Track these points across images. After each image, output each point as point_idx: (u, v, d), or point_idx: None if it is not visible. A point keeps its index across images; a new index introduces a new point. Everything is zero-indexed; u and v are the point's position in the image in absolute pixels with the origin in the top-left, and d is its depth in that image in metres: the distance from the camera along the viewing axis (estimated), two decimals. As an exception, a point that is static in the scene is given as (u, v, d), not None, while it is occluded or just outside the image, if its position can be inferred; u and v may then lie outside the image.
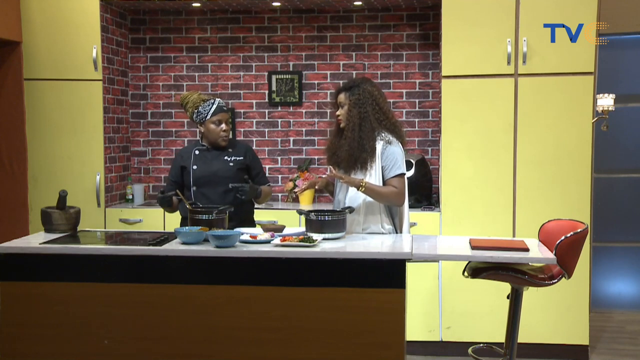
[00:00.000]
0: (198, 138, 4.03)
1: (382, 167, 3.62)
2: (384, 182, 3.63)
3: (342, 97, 3.72)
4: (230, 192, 3.80)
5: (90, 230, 3.92)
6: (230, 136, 3.99)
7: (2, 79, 4.94)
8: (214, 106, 3.87)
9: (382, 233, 3.66)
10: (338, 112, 3.73)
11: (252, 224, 3.95)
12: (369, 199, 3.62)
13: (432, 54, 5.22)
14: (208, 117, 3.86)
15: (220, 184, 3.84)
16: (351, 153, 3.60)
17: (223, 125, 3.87)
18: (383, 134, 3.65)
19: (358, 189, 3.56)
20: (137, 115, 5.50)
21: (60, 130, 4.94)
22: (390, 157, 3.62)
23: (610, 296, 5.84)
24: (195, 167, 3.88)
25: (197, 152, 3.94)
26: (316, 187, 3.80)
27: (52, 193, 4.23)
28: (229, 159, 3.90)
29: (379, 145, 3.62)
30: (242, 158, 3.93)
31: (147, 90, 5.49)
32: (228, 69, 5.41)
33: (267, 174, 4.96)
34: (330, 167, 3.66)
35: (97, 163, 4.95)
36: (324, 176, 3.94)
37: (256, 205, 4.04)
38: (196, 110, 3.88)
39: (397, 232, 3.72)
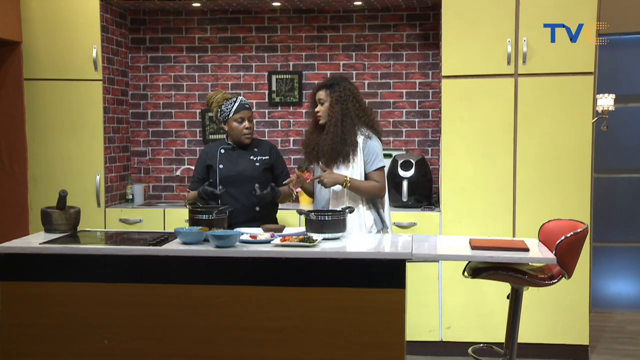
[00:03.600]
0: (224, 137, 4.07)
1: (363, 161, 3.77)
2: (366, 176, 3.80)
3: (322, 94, 3.87)
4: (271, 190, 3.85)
5: (90, 230, 3.92)
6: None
7: (2, 79, 4.94)
8: (236, 104, 3.92)
9: (365, 225, 3.76)
10: (317, 109, 3.88)
11: (275, 223, 4.01)
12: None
13: (432, 54, 5.22)
14: (231, 114, 3.91)
15: (247, 184, 3.88)
16: (334, 147, 3.76)
17: (245, 123, 3.92)
18: (362, 129, 3.83)
19: (343, 186, 3.72)
20: (137, 115, 5.50)
21: (60, 130, 4.94)
22: (371, 152, 3.79)
23: (610, 296, 5.84)
24: (221, 166, 3.92)
25: (222, 150, 3.97)
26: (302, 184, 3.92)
27: (52, 193, 4.23)
28: (254, 159, 3.95)
29: (360, 140, 3.79)
30: (267, 157, 3.99)
31: (147, 90, 5.49)
32: (228, 69, 5.41)
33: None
34: (321, 164, 3.78)
35: (97, 163, 4.95)
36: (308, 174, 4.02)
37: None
38: (219, 109, 3.93)
39: (382, 223, 3.82)
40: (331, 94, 3.82)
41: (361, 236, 3.68)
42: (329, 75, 5.32)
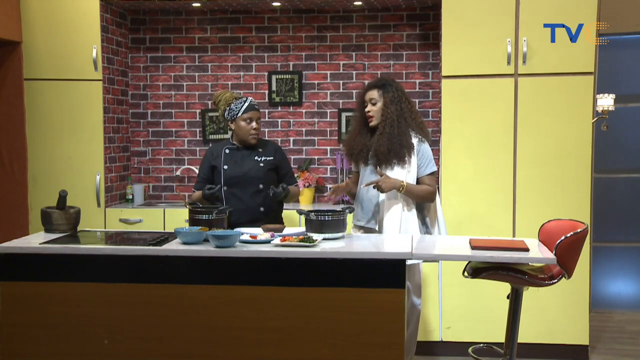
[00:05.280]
0: (229, 136, 4.09)
1: (417, 164, 3.76)
2: (418, 180, 3.79)
3: (374, 94, 3.82)
4: (261, 192, 3.90)
5: (90, 230, 3.92)
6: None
7: (2, 79, 4.95)
8: (246, 104, 3.94)
9: (419, 227, 3.81)
10: (369, 109, 3.82)
11: (281, 223, 4.03)
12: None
13: (432, 54, 5.22)
14: (239, 114, 3.93)
15: (251, 184, 3.92)
16: (391, 148, 3.73)
17: (253, 124, 3.95)
18: (415, 131, 3.82)
19: (399, 190, 3.69)
20: (137, 115, 5.50)
21: (60, 130, 4.94)
22: (425, 156, 3.80)
23: (610, 296, 5.84)
24: (226, 167, 3.93)
25: (227, 150, 3.99)
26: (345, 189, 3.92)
27: (52, 193, 4.23)
28: (259, 159, 3.97)
29: (415, 142, 3.79)
30: (271, 158, 4.00)
31: (147, 90, 5.49)
32: (228, 69, 5.41)
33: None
34: (379, 169, 3.73)
35: (97, 163, 4.95)
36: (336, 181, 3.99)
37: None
38: (228, 107, 3.96)
39: (428, 227, 3.84)
40: (384, 94, 3.79)
41: (361, 236, 3.68)
42: (329, 75, 5.32)
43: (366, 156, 3.83)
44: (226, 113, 3.97)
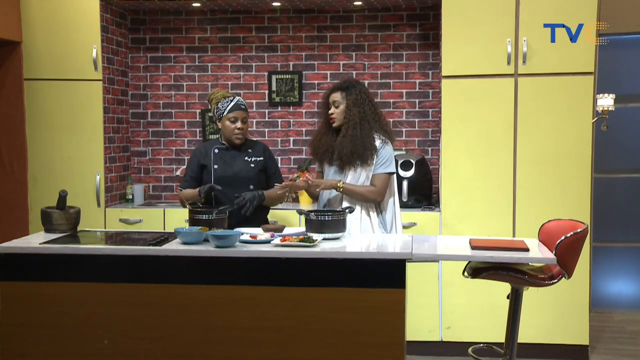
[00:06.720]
0: (218, 136, 4.07)
1: (374, 163, 3.76)
2: (372, 177, 3.79)
3: (337, 96, 3.83)
4: (250, 193, 3.84)
5: (90, 230, 3.91)
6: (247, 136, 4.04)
7: (2, 79, 4.95)
8: (232, 103, 3.91)
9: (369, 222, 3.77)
10: (332, 111, 3.84)
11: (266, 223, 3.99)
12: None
13: (432, 54, 5.22)
14: (224, 113, 3.91)
15: (241, 185, 3.89)
16: (354, 150, 3.73)
17: (238, 123, 3.90)
18: (379, 133, 3.81)
19: (336, 190, 3.73)
20: (137, 115, 5.50)
21: (60, 130, 4.94)
22: (383, 155, 3.78)
23: (610, 296, 5.84)
24: (216, 166, 3.90)
25: (216, 150, 3.96)
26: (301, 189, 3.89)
27: (52, 193, 4.23)
28: (249, 160, 3.94)
29: (377, 143, 3.78)
30: (261, 158, 3.99)
31: (147, 90, 5.49)
32: (228, 69, 5.41)
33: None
34: (307, 177, 3.80)
35: (97, 163, 4.95)
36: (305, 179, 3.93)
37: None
38: (216, 107, 3.93)
39: (384, 228, 3.82)
40: (347, 96, 3.79)
41: (361, 236, 3.68)
42: (329, 75, 5.32)
43: (331, 157, 3.84)
44: (215, 112, 3.95)
